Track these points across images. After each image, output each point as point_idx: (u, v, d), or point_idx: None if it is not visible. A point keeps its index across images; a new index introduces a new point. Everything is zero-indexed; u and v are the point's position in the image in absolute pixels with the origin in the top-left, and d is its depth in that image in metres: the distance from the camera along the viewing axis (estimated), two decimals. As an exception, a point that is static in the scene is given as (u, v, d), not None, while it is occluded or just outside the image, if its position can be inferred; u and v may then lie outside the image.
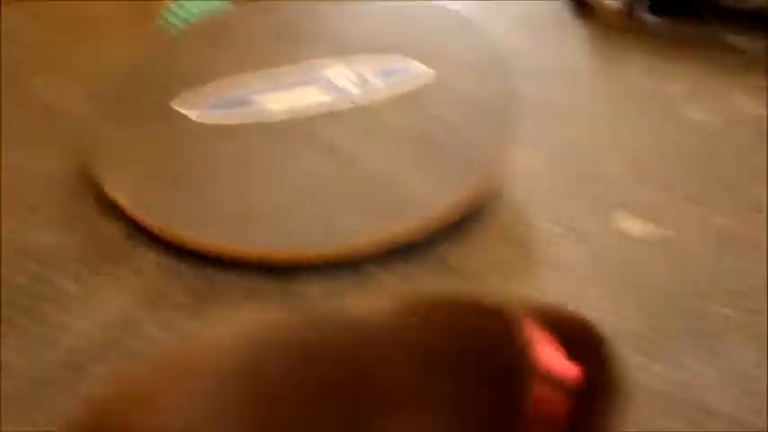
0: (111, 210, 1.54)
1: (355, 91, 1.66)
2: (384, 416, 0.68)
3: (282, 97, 1.66)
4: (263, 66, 1.73)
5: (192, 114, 1.64)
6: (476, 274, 1.43)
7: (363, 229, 1.41)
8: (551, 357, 0.77)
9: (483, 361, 0.75)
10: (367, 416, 0.68)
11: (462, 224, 1.55)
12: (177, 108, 1.65)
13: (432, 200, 1.46)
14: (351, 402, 0.68)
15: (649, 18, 2.26)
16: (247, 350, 0.70)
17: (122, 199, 1.49)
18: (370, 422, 0.68)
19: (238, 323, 0.75)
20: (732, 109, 1.96)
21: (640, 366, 1.23)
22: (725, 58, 2.07)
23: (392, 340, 0.73)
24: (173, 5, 2.15)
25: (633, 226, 1.57)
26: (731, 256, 1.49)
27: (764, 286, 1.41)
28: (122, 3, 2.26)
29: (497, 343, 0.76)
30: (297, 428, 0.67)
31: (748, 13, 2.17)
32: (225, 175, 1.52)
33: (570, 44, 2.26)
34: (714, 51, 2.09)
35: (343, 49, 1.76)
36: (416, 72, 1.70)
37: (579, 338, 0.81)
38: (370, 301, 0.83)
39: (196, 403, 0.67)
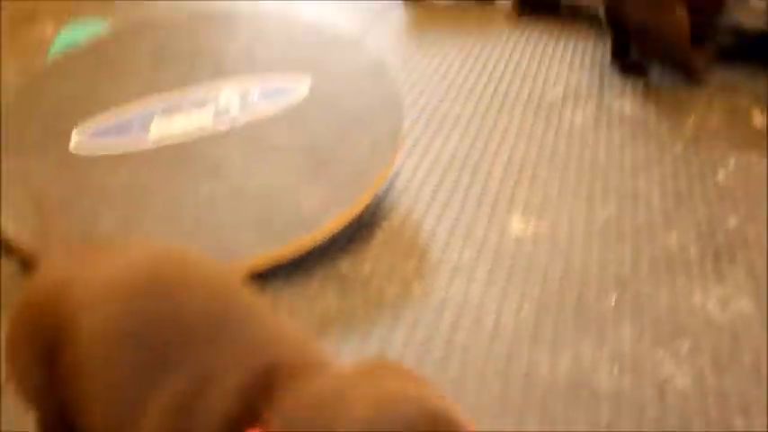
0: (4, 247, 1.49)
1: (237, 111, 1.66)
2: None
3: (163, 123, 1.65)
4: (145, 92, 1.71)
5: (79, 145, 1.60)
6: (375, 283, 1.44)
7: (259, 249, 1.41)
8: None
9: None
10: None
11: (357, 235, 1.57)
12: (62, 140, 1.61)
13: (323, 212, 1.47)
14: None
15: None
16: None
17: (12, 232, 1.44)
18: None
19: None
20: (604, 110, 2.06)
21: (535, 358, 1.28)
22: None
23: None
24: (62, 33, 2.09)
25: (524, 226, 1.62)
26: (616, 244, 1.56)
27: (647, 270, 1.49)
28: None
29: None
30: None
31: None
32: (117, 204, 1.50)
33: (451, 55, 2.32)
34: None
35: (222, 70, 1.76)
36: (298, 87, 1.71)
37: None
38: None
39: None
